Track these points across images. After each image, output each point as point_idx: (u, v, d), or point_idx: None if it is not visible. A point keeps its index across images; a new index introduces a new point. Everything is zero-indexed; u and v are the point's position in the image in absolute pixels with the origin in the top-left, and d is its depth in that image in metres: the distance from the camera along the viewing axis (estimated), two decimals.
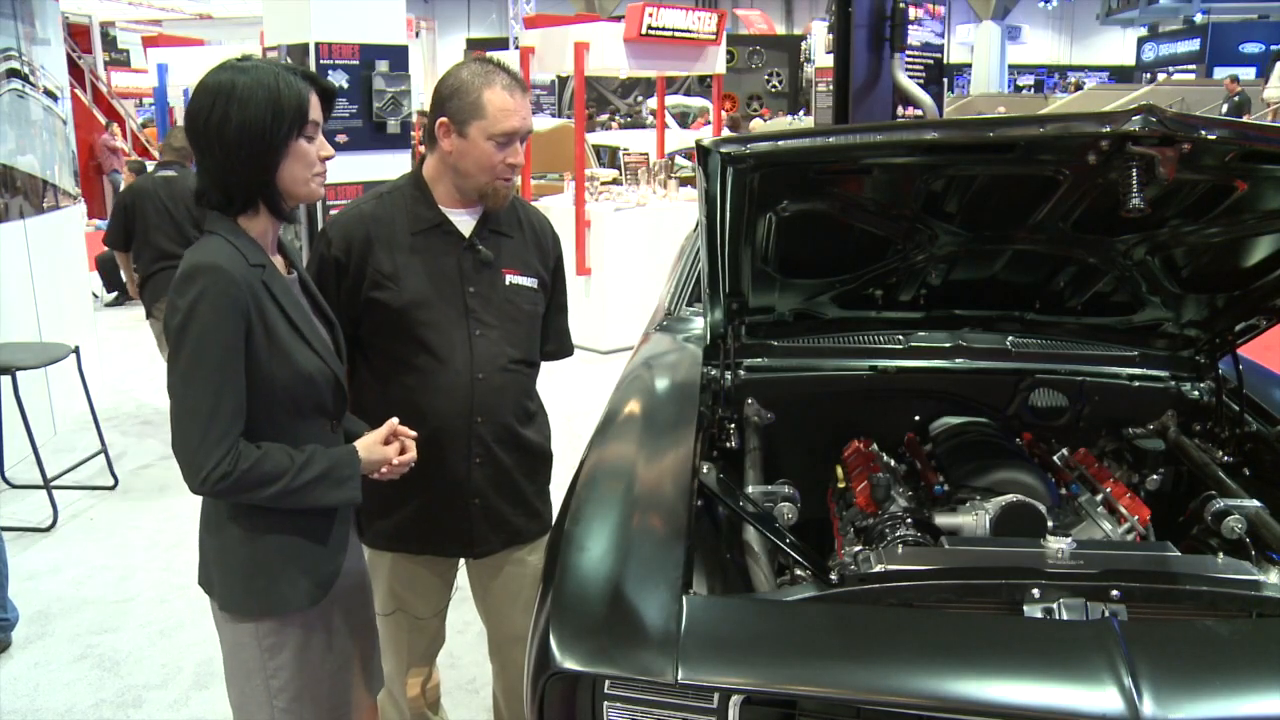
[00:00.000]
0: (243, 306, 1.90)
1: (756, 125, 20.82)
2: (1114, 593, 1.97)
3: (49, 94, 6.65)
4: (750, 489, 2.50)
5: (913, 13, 9.40)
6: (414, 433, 2.20)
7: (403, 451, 2.17)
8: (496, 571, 2.72)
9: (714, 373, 2.96)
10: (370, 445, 2.13)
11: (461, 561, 2.77)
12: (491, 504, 2.60)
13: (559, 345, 2.81)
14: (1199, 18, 31.33)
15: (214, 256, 1.92)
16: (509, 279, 2.55)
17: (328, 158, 2.06)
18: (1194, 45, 30.18)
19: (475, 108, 2.36)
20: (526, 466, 2.66)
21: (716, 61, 9.82)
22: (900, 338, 3.11)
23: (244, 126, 1.93)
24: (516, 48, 12.87)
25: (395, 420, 2.17)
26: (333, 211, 8.08)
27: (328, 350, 2.09)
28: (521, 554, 2.71)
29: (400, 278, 2.44)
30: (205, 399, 1.89)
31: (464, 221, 2.51)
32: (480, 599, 2.82)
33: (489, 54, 2.58)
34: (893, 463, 2.92)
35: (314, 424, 2.09)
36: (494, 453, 2.57)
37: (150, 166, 8.28)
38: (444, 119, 2.40)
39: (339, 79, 7.63)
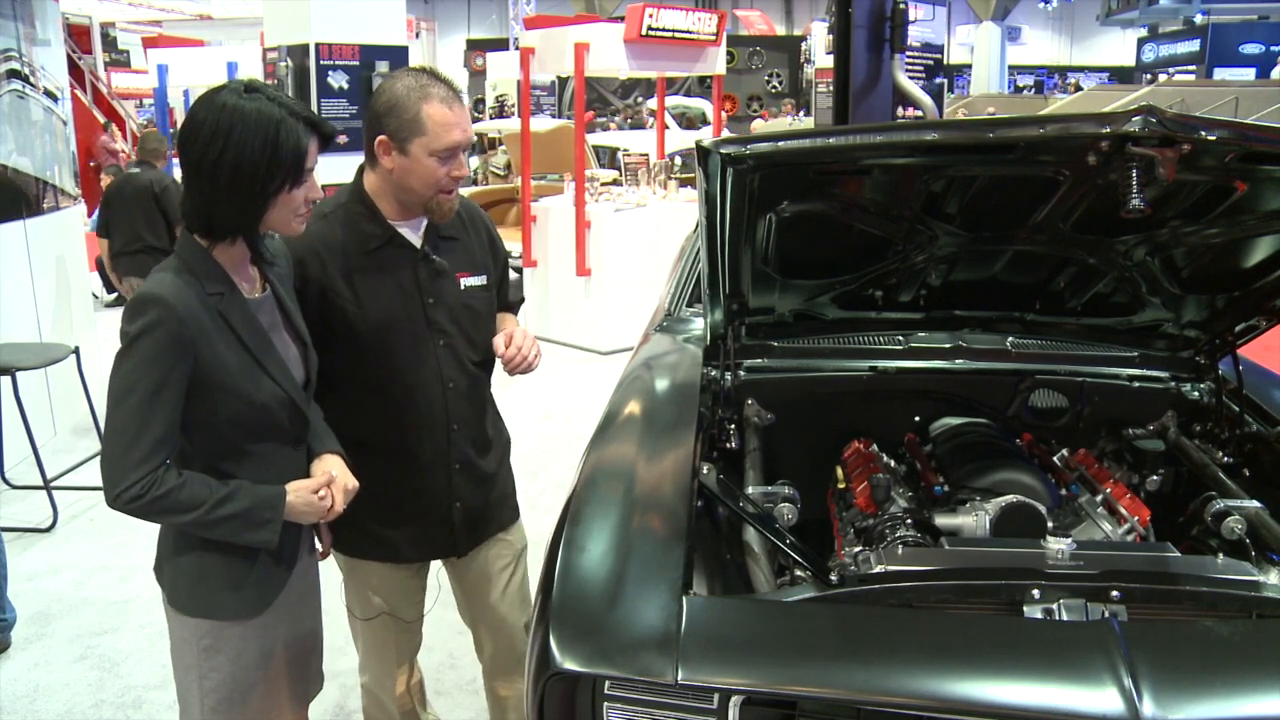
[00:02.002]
0: (186, 342, 1.92)
1: (756, 126, 20.83)
2: (1114, 593, 1.97)
3: (49, 95, 6.65)
4: (750, 490, 2.50)
5: (912, 12, 9.40)
6: (354, 483, 2.22)
7: (333, 505, 2.18)
8: (483, 564, 2.73)
9: (714, 373, 2.96)
10: (302, 492, 2.12)
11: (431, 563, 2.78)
12: (471, 505, 2.63)
13: (509, 305, 2.81)
14: (1199, 18, 31.32)
15: (165, 289, 1.93)
16: (463, 282, 2.54)
17: (315, 198, 2.06)
18: (1194, 46, 30.17)
19: (415, 124, 2.30)
20: (494, 460, 2.69)
21: (716, 62, 9.82)
22: (900, 338, 3.11)
23: (237, 169, 1.92)
24: (517, 48, 12.87)
25: (333, 472, 2.19)
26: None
27: (286, 375, 2.09)
28: (505, 535, 2.75)
29: (361, 300, 2.41)
30: (131, 423, 1.91)
31: (412, 234, 2.47)
32: (463, 597, 2.83)
33: (423, 65, 2.55)
34: (893, 463, 2.92)
35: (271, 445, 2.11)
36: (470, 457, 2.59)
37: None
38: (383, 136, 2.33)
39: (339, 79, 7.64)
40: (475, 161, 13.17)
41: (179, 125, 1.99)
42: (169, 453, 1.95)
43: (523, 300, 2.90)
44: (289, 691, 2.30)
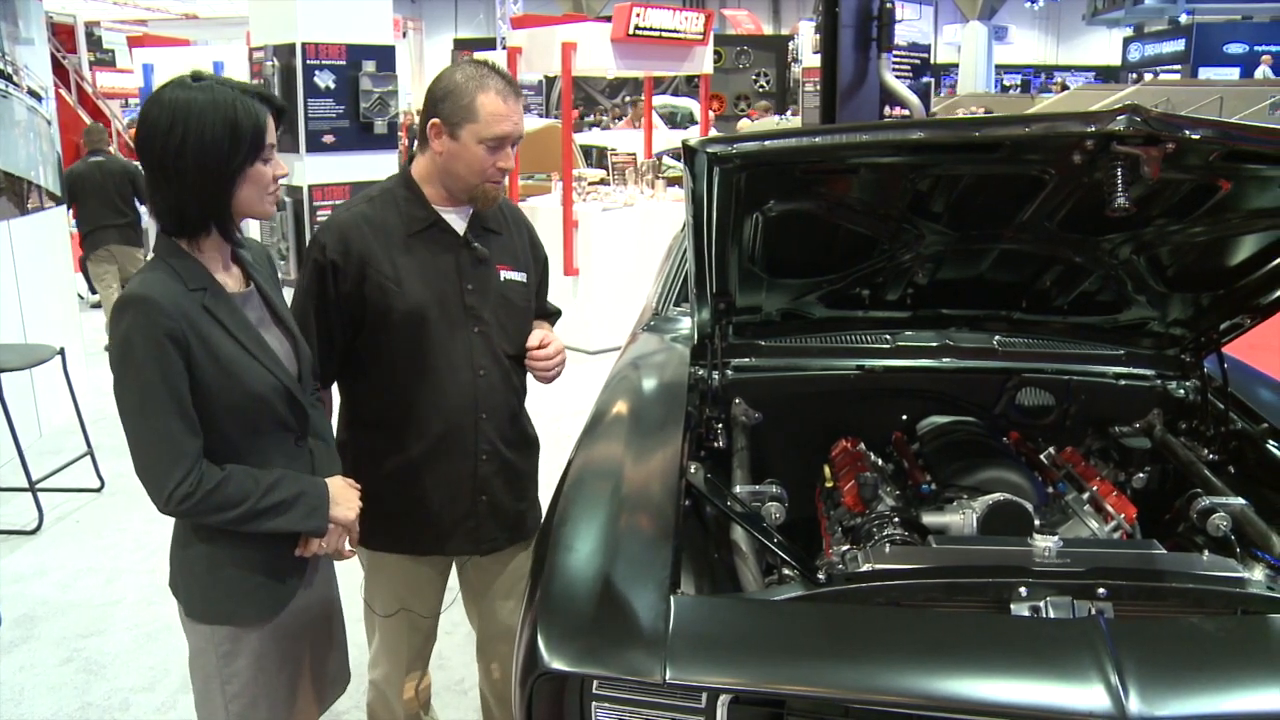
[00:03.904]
0: (176, 334, 1.91)
1: (744, 126, 20.82)
2: (1100, 591, 1.97)
3: (33, 94, 6.61)
4: (738, 489, 2.50)
5: (899, 12, 9.41)
6: (358, 505, 2.24)
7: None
8: (502, 567, 2.74)
9: (701, 373, 2.96)
10: (344, 486, 2.18)
11: (453, 562, 2.77)
12: (497, 499, 2.62)
13: (546, 313, 2.84)
14: (1184, 18, 31.45)
15: (145, 288, 1.93)
16: (503, 275, 2.57)
17: (282, 176, 2.06)
18: (1179, 46, 30.30)
19: (469, 111, 2.37)
20: (523, 459, 2.70)
21: (704, 61, 9.82)
22: (887, 337, 3.12)
23: (201, 155, 1.91)
24: (504, 48, 12.86)
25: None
26: (320, 212, 8.11)
27: (280, 366, 2.09)
28: (527, 549, 2.72)
29: (402, 279, 2.45)
30: (157, 424, 1.91)
31: (457, 220, 2.52)
32: (473, 598, 2.82)
33: (482, 55, 2.57)
34: (880, 462, 2.92)
35: (275, 439, 2.10)
36: (498, 448, 2.59)
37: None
38: (436, 120, 2.40)
39: (325, 79, 7.62)
40: None
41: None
42: (200, 444, 1.95)
43: (559, 312, 2.90)
44: (311, 690, 2.30)
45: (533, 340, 2.64)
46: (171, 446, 1.91)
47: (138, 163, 8.26)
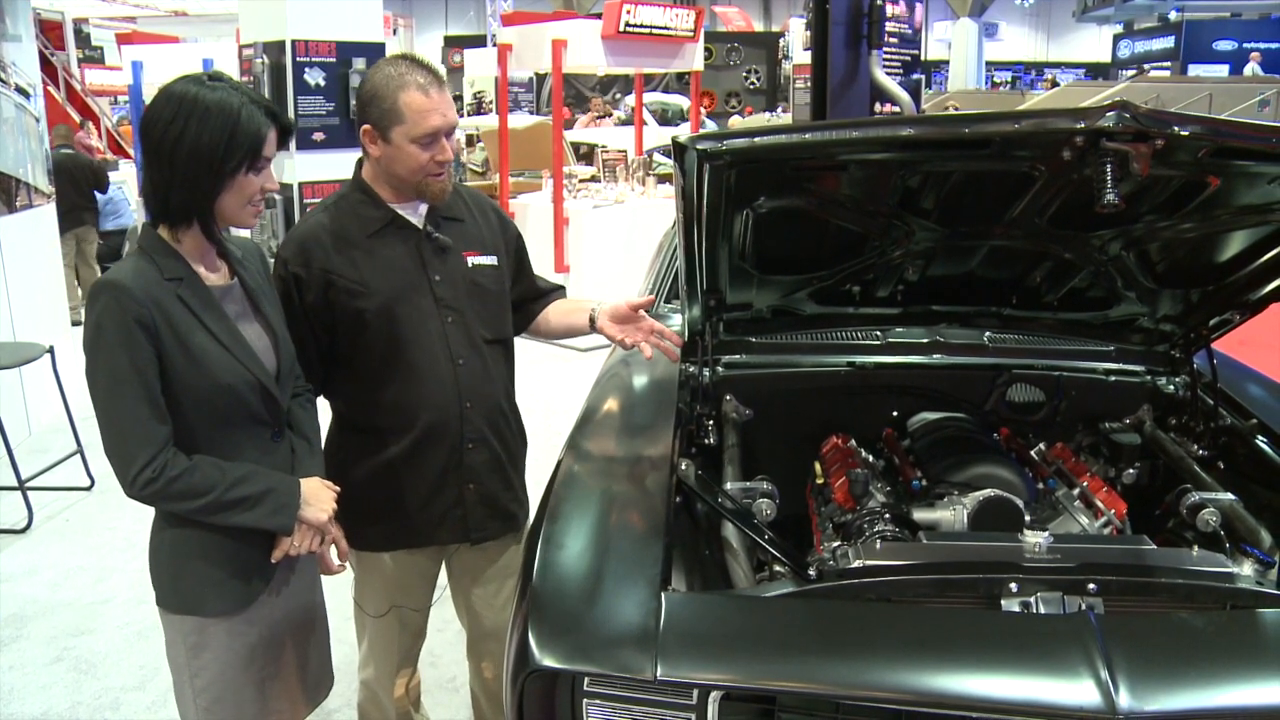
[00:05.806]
0: (145, 321, 1.93)
1: (735, 123, 20.83)
2: (1090, 586, 1.98)
3: (21, 91, 6.59)
4: (729, 485, 2.50)
5: (890, 9, 9.42)
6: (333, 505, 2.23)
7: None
8: (490, 561, 2.73)
9: (692, 369, 2.96)
10: (319, 487, 2.18)
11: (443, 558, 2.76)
12: (486, 488, 2.62)
13: (549, 289, 2.84)
14: (1173, 15, 31.58)
15: (119, 275, 1.96)
16: (470, 260, 2.57)
17: (271, 190, 2.08)
18: (1169, 42, 30.40)
19: (394, 113, 2.35)
20: (511, 450, 2.69)
21: (694, 58, 9.83)
22: (878, 334, 3.12)
23: (195, 150, 1.94)
24: (494, 45, 12.84)
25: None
26: (309, 209, 8.10)
27: (254, 359, 2.09)
28: (517, 543, 2.73)
29: (367, 280, 2.45)
30: (125, 407, 1.94)
31: (414, 215, 2.52)
32: (462, 593, 2.82)
33: (404, 52, 2.54)
34: (871, 458, 2.93)
35: (248, 433, 2.11)
36: (485, 436, 2.59)
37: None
38: (367, 126, 2.40)
39: (315, 76, 7.60)
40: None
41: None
42: (168, 431, 1.97)
43: (562, 289, 2.90)
44: (287, 692, 2.29)
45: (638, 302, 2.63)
46: (138, 430, 1.93)
47: (100, 159, 9.64)
